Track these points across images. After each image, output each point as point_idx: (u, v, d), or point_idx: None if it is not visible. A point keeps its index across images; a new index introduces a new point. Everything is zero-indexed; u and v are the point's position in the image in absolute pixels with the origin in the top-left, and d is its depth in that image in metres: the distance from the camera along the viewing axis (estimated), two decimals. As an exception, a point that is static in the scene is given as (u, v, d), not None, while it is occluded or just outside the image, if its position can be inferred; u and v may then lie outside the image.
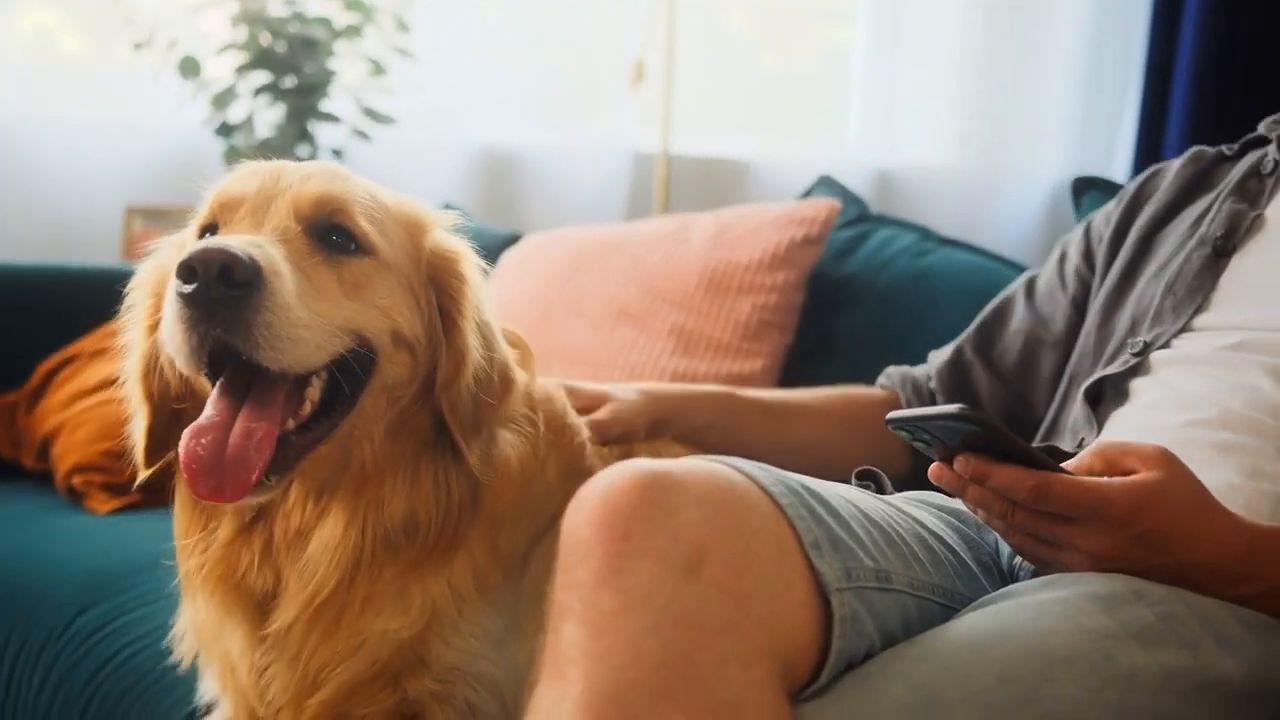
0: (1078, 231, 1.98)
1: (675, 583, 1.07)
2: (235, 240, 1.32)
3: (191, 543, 1.49)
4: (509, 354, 1.56)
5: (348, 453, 1.44)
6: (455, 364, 1.47)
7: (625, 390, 1.80)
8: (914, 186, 3.97)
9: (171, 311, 1.32)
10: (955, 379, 2.01)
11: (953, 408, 1.22)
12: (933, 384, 2.01)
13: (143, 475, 1.53)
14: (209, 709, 1.61)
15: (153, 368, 1.51)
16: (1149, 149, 3.96)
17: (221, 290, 1.28)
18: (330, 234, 1.42)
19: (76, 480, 2.42)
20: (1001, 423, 1.24)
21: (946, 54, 4.02)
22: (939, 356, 2.05)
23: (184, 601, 1.57)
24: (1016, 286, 2.04)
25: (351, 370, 1.41)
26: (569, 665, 1.07)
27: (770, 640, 1.10)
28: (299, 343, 1.32)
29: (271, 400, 1.37)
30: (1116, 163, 4.11)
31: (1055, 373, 1.91)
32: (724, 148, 3.92)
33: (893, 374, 2.07)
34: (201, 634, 1.55)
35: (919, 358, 2.16)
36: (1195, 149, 1.89)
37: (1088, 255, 1.92)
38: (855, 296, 2.56)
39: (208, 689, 1.59)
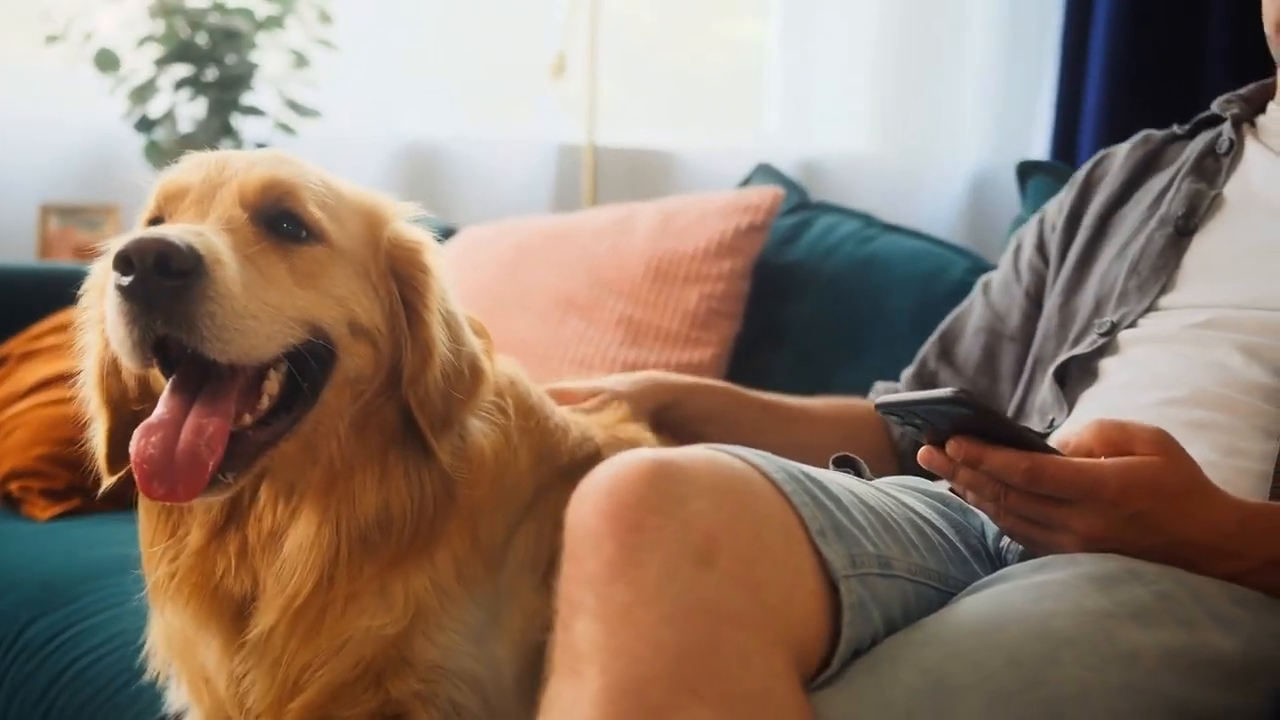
0: (1032, 222, 1.99)
1: (689, 573, 1.06)
2: (173, 229, 1.27)
3: (159, 550, 1.44)
4: (477, 344, 1.52)
5: (314, 449, 1.40)
6: (421, 357, 1.43)
7: (620, 380, 1.79)
8: (836, 175, 3.99)
9: (111, 306, 1.27)
10: (920, 388, 2.02)
11: (945, 391, 1.21)
12: None
13: (106, 483, 1.47)
14: (178, 718, 1.56)
15: (111, 371, 1.46)
16: (1066, 132, 4.02)
17: (159, 281, 1.23)
18: (280, 221, 1.37)
19: (13, 486, 2.35)
20: (990, 404, 1.24)
21: (862, 42, 4.05)
22: (905, 372, 2.08)
23: (152, 613, 1.52)
24: (975, 290, 2.06)
25: (309, 363, 1.37)
26: (585, 662, 1.05)
27: (785, 629, 1.09)
28: (246, 333, 1.28)
29: (224, 395, 1.33)
30: (1034, 147, 4.15)
31: (1016, 366, 1.93)
32: (649, 139, 3.92)
33: (878, 388, 2.09)
34: (173, 646, 1.50)
35: (868, 343, 2.17)
36: (1143, 132, 1.91)
37: (1041, 246, 1.93)
38: (801, 284, 2.56)
39: (177, 698, 1.54)
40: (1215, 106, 1.80)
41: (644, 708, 1.01)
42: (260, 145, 3.24)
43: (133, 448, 1.30)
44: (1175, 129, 1.87)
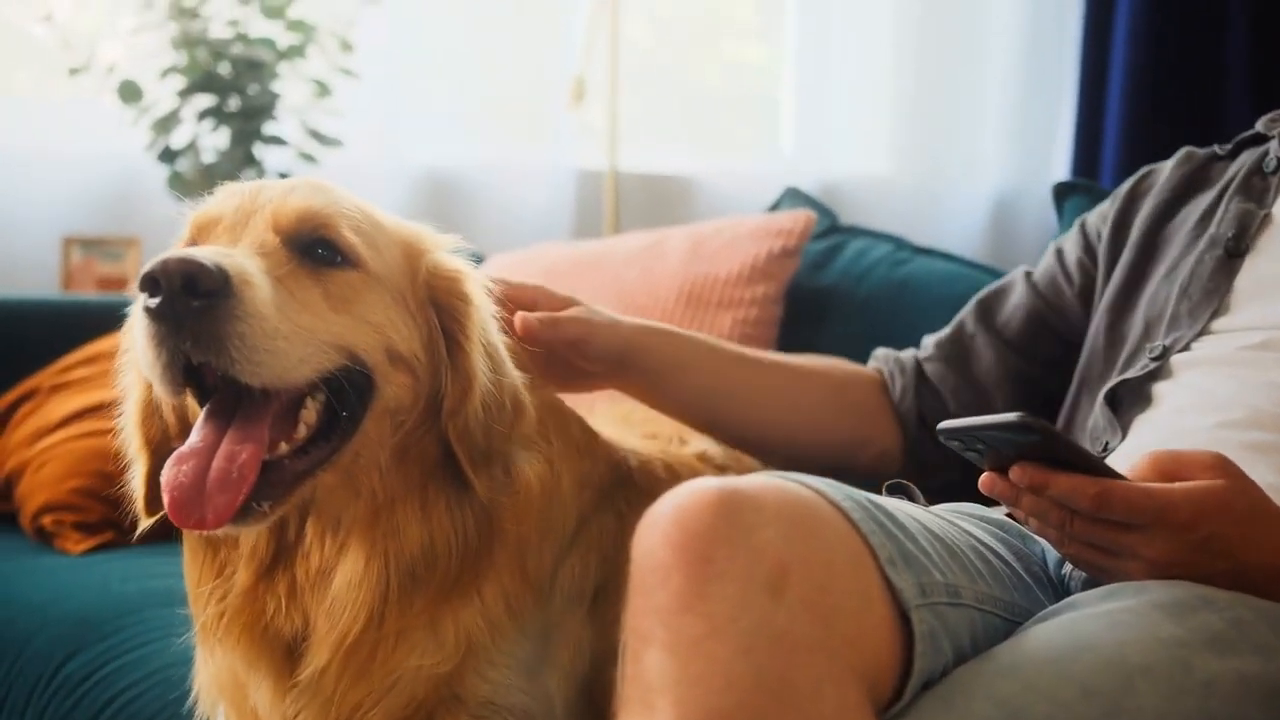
0: (1072, 231, 1.96)
1: (761, 603, 1.04)
2: (202, 250, 1.26)
3: (207, 590, 1.42)
4: (518, 376, 1.49)
5: (356, 481, 1.38)
6: (462, 388, 1.40)
7: (600, 308, 1.72)
8: (857, 198, 3.98)
9: (140, 329, 1.25)
10: (955, 351, 1.96)
11: (1012, 416, 1.19)
12: (928, 364, 1.96)
13: (144, 524, 1.45)
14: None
15: (151, 413, 1.44)
16: (1087, 152, 4.01)
17: (187, 302, 1.21)
18: (314, 247, 1.35)
19: (46, 520, 2.33)
20: (1057, 429, 1.22)
21: (880, 64, 4.05)
22: (934, 336, 2.01)
23: (200, 654, 1.49)
24: (1014, 274, 2.01)
25: (348, 391, 1.35)
26: (657, 695, 1.02)
27: (858, 659, 1.07)
28: (277, 354, 1.25)
29: (258, 422, 1.31)
30: (1054, 170, 4.15)
31: (1056, 360, 1.89)
32: (668, 164, 3.92)
33: (879, 355, 2.03)
34: (225, 689, 1.47)
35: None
36: (1185, 150, 1.88)
37: (1089, 250, 1.90)
38: (835, 308, 2.54)
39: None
40: (1260, 125, 1.78)
41: (719, 741, 0.99)
42: (282, 174, 3.24)
43: (164, 477, 1.28)
44: (1216, 149, 1.85)
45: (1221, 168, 1.81)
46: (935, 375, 1.94)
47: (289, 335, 1.27)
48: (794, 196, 2.88)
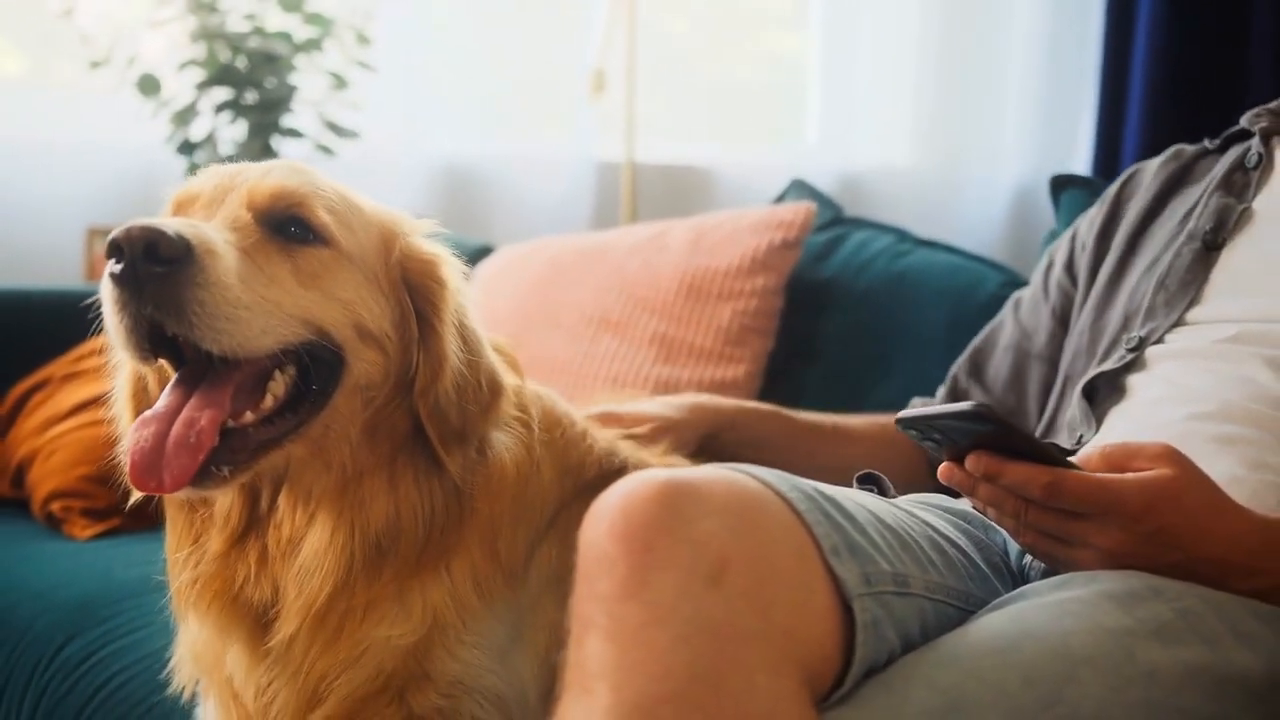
0: (1064, 239, 1.99)
1: (700, 593, 1.06)
2: (167, 220, 1.30)
3: (182, 556, 1.47)
4: (497, 360, 1.54)
5: (327, 454, 1.42)
6: (433, 369, 1.45)
7: (668, 405, 1.80)
8: (876, 189, 3.98)
9: (105, 294, 1.30)
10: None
11: (964, 406, 1.21)
12: None
13: (135, 497, 1.49)
14: (206, 731, 1.58)
15: (141, 388, 1.49)
16: (1108, 145, 3.99)
17: (149, 268, 1.25)
18: (287, 225, 1.39)
19: (55, 506, 2.38)
20: (1011, 418, 1.24)
21: (902, 56, 4.04)
22: (940, 390, 2.08)
23: (180, 627, 1.53)
24: (1007, 307, 2.06)
25: (319, 365, 1.39)
26: (596, 680, 1.05)
27: (796, 648, 1.09)
28: (238, 322, 1.29)
29: (222, 390, 1.35)
30: (1077, 160, 4.13)
31: (1043, 384, 1.94)
32: (687, 155, 3.92)
33: (914, 404, 2.09)
34: (201, 660, 1.52)
35: (900, 359, 2.16)
36: (1174, 147, 1.90)
37: (1070, 265, 1.93)
38: (835, 299, 2.55)
39: (206, 714, 1.55)
40: (1244, 121, 1.79)
41: (653, 726, 1.02)
42: (300, 167, 3.27)
43: (127, 441, 1.33)
44: (1206, 144, 1.86)
45: (1209, 163, 1.82)
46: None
47: (250, 305, 1.31)
48: (800, 188, 2.89)
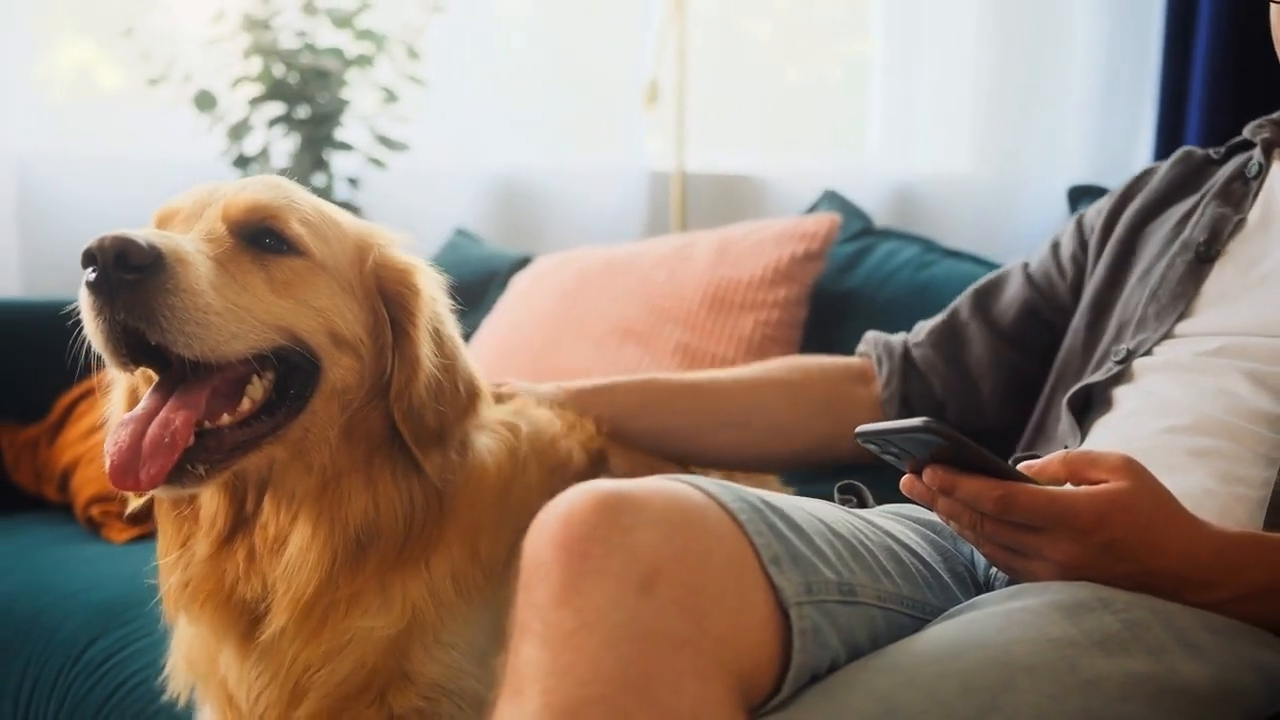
0: (1070, 223, 1.97)
1: (632, 601, 1.09)
2: (139, 230, 1.35)
3: (171, 560, 1.52)
4: (475, 365, 1.60)
5: (308, 456, 1.48)
6: (407, 373, 1.50)
7: (539, 387, 1.81)
8: (932, 197, 3.97)
9: (82, 302, 1.36)
10: (947, 338, 1.98)
11: (917, 421, 1.23)
12: (917, 349, 1.98)
13: (133, 504, 1.56)
14: (205, 738, 1.64)
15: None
16: (1167, 154, 3.93)
17: (120, 275, 1.31)
18: (262, 237, 1.45)
19: (95, 511, 2.46)
20: (965, 434, 1.25)
21: (961, 63, 4.02)
22: (928, 322, 2.03)
23: (174, 633, 1.60)
24: (1012, 265, 2.03)
25: (296, 371, 1.45)
26: (528, 684, 1.09)
27: (728, 655, 1.11)
28: (209, 328, 1.35)
29: (197, 393, 1.41)
30: (1137, 164, 4.09)
31: (1047, 350, 1.90)
32: (740, 164, 3.94)
33: (869, 339, 2.05)
34: (196, 665, 1.58)
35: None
36: (1185, 149, 1.89)
37: (1082, 244, 1.91)
38: (857, 310, 2.57)
39: (205, 717, 1.61)
40: (1247, 131, 1.78)
41: (579, 730, 1.05)
42: (352, 180, 3.35)
43: (106, 442, 1.39)
44: (1212, 152, 1.85)
45: (1211, 172, 1.82)
46: (924, 361, 1.97)
47: (221, 311, 1.36)
48: (831, 199, 2.91)
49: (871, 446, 1.31)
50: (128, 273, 1.31)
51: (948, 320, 2.01)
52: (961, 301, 2.02)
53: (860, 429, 1.30)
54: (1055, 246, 1.96)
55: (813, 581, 1.20)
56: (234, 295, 1.39)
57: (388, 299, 1.52)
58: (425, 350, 1.51)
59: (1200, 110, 3.85)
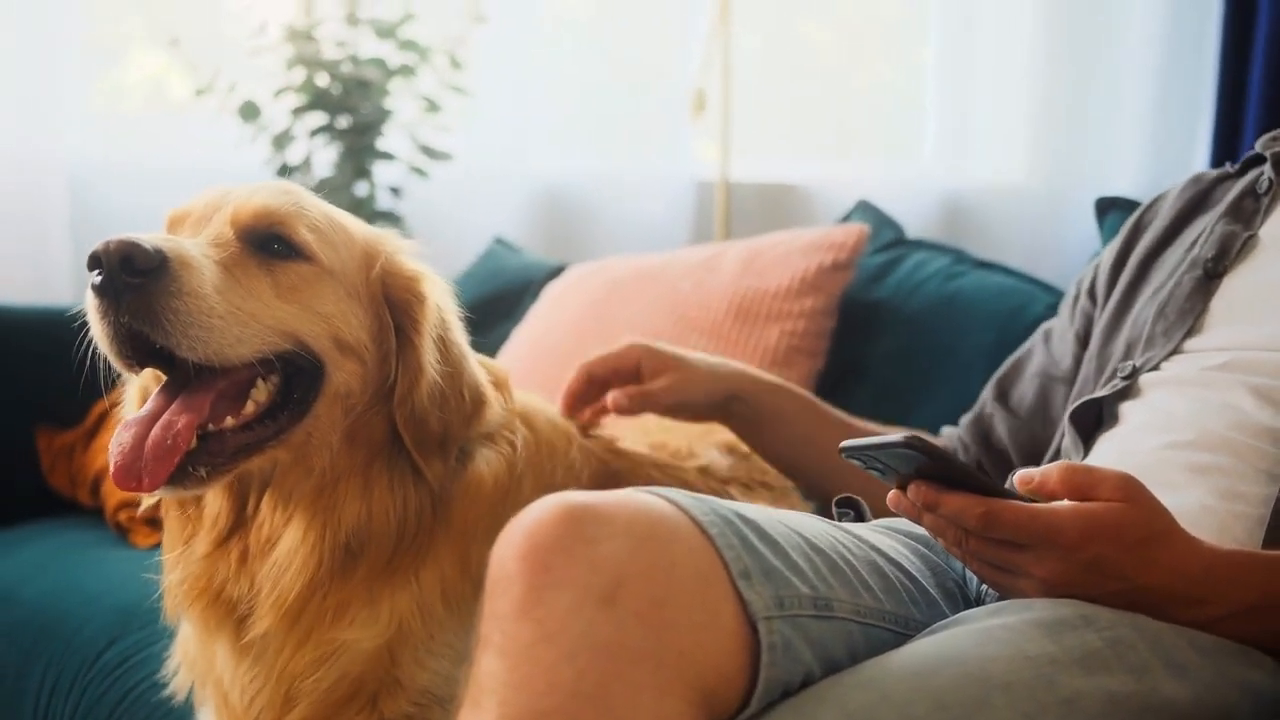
0: (1089, 267, 1.96)
1: (592, 613, 1.09)
2: (145, 234, 1.37)
3: (174, 556, 1.54)
4: (481, 374, 1.60)
5: (308, 460, 1.48)
6: (410, 379, 1.51)
7: (704, 359, 1.86)
8: (983, 207, 3.94)
9: (88, 305, 1.38)
10: (978, 431, 2.02)
11: (896, 436, 1.22)
12: (960, 441, 2.03)
13: (145, 504, 1.58)
14: (203, 734, 1.65)
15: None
16: (1225, 158, 3.87)
17: (125, 278, 1.33)
18: (270, 242, 1.46)
19: (123, 516, 2.49)
20: (945, 450, 1.24)
21: (1016, 72, 3.99)
22: (965, 417, 2.07)
23: (177, 631, 1.62)
24: (1037, 336, 2.04)
25: (300, 375, 1.46)
26: (485, 695, 1.09)
27: (692, 669, 1.10)
28: (213, 331, 1.36)
29: (202, 395, 1.42)
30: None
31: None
32: (787, 174, 3.92)
33: (945, 433, 2.09)
34: (195, 664, 1.60)
35: (945, 380, 2.15)
36: (1196, 172, 1.87)
37: (1092, 290, 1.91)
38: (885, 321, 2.55)
39: (204, 717, 1.63)
40: (1259, 145, 1.75)
41: (533, 741, 1.05)
42: (394, 189, 3.37)
43: (110, 444, 1.41)
44: (1228, 167, 1.82)
45: (1226, 188, 1.78)
46: (964, 449, 2.01)
47: (225, 315, 1.38)
48: (864, 210, 2.89)
49: (856, 462, 1.30)
50: (133, 276, 1.33)
51: (976, 415, 2.05)
52: (985, 394, 2.06)
53: (844, 444, 1.29)
54: (1075, 297, 1.97)
55: (785, 595, 1.19)
56: (239, 299, 1.40)
57: (393, 305, 1.53)
58: (429, 357, 1.51)
59: (1257, 119, 3.80)
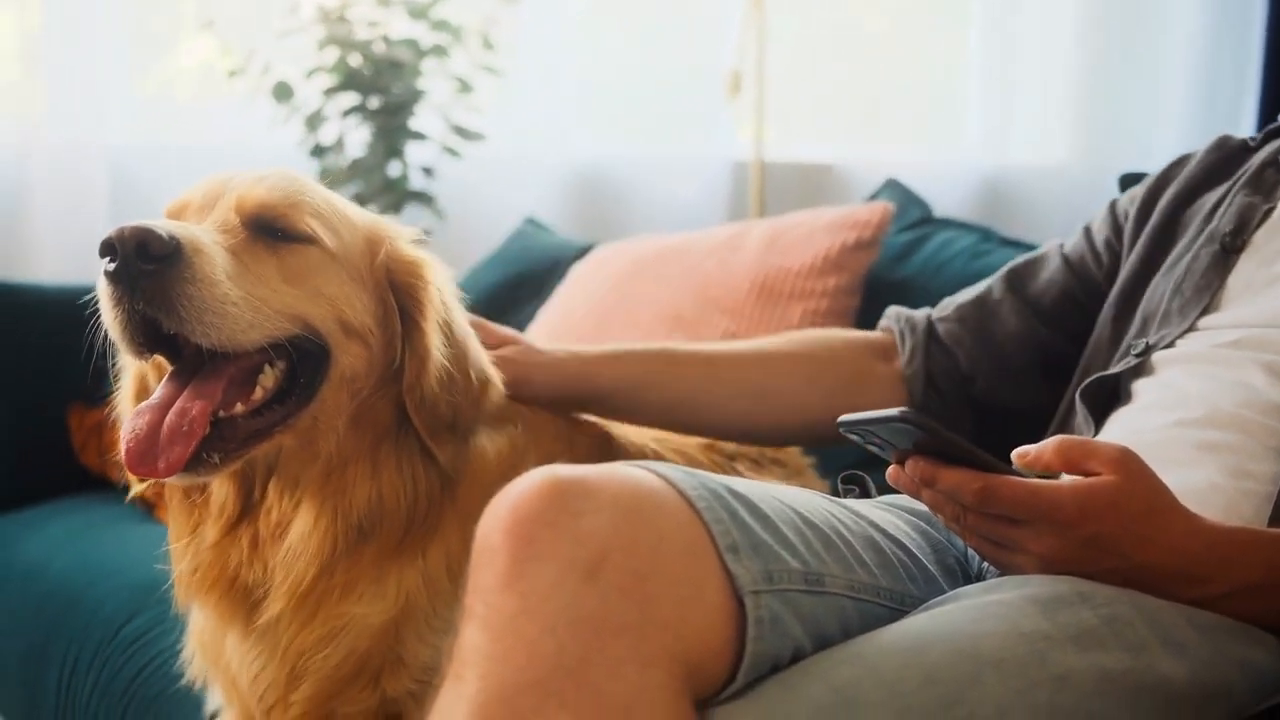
0: (1102, 212, 1.91)
1: (575, 586, 1.08)
2: (158, 221, 1.37)
3: (182, 545, 1.55)
4: (485, 355, 1.61)
5: (315, 445, 1.49)
6: (418, 364, 1.51)
7: (550, 346, 1.77)
8: (1025, 188, 3.91)
9: (101, 292, 1.38)
10: (977, 314, 1.93)
11: (894, 411, 1.21)
12: (942, 324, 1.93)
13: (135, 490, 1.59)
14: (213, 716, 1.67)
15: (143, 385, 1.58)
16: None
17: (140, 265, 1.33)
18: (275, 228, 1.47)
19: (149, 491, 2.50)
20: (943, 425, 1.23)
21: (1059, 53, 3.96)
22: (954, 299, 1.97)
23: (190, 619, 1.63)
24: (1048, 247, 1.97)
25: (306, 359, 1.46)
26: (468, 667, 1.09)
27: (676, 642, 1.10)
28: (226, 317, 1.37)
29: (213, 382, 1.43)
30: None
31: (1083, 336, 1.85)
32: (824, 154, 3.91)
33: (890, 314, 2.00)
34: (207, 650, 1.61)
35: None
36: (1221, 135, 1.83)
37: (1117, 231, 1.86)
38: (910, 300, 2.50)
39: (213, 701, 1.65)
40: None
41: (511, 713, 1.04)
42: (426, 169, 3.38)
43: (123, 429, 1.42)
44: (1249, 139, 1.79)
45: (1245, 159, 1.76)
46: (949, 336, 1.92)
47: (238, 301, 1.38)
48: (892, 188, 2.87)
49: (854, 437, 1.29)
50: (148, 263, 1.34)
51: (978, 298, 1.95)
52: (995, 280, 1.97)
53: (841, 419, 1.28)
54: (1088, 232, 1.91)
55: (774, 570, 1.18)
56: (249, 285, 1.41)
57: (398, 291, 1.54)
58: (435, 341, 1.52)
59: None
